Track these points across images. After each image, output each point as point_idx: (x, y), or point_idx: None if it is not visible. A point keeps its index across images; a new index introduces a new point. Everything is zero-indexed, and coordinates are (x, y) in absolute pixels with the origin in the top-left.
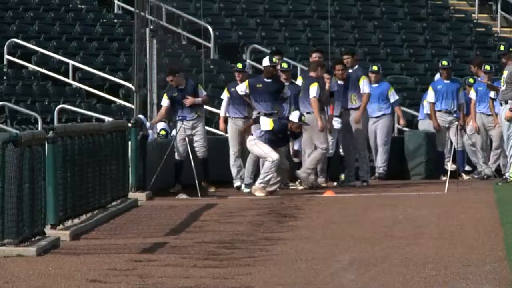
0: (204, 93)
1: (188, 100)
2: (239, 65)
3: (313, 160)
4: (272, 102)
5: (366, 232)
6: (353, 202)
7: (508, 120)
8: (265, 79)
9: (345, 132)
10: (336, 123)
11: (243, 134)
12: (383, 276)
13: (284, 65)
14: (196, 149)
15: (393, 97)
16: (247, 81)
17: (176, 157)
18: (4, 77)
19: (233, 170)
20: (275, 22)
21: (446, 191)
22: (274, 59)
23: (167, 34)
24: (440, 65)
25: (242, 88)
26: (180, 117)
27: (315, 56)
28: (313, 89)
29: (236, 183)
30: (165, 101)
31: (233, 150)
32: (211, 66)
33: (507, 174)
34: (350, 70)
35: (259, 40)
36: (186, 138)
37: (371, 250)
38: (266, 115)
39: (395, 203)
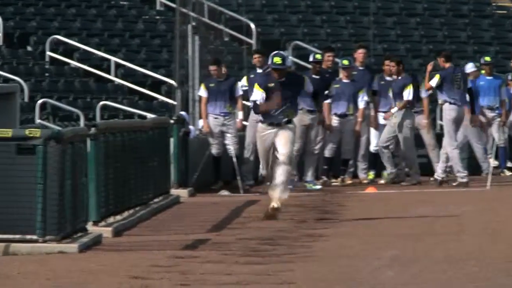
0: (240, 92)
1: (238, 124)
2: (318, 56)
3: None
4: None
5: (407, 228)
6: (395, 198)
7: None
8: (313, 75)
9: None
10: (382, 119)
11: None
12: (425, 273)
13: (345, 62)
14: (227, 146)
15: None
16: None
17: (213, 153)
18: (46, 74)
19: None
20: (317, 19)
21: (488, 187)
22: (318, 56)
23: (209, 31)
24: (482, 61)
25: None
26: (221, 113)
27: (360, 52)
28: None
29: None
30: (203, 92)
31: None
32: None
33: None
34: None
35: (301, 37)
36: (222, 133)
37: (413, 247)
38: (308, 111)
39: (437, 200)
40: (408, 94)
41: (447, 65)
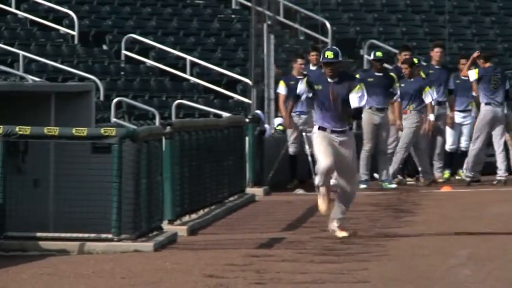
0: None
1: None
2: (379, 53)
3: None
4: (383, 97)
5: (482, 227)
6: (470, 197)
7: None
8: (376, 73)
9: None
10: (458, 117)
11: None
12: (500, 272)
13: (415, 60)
14: (304, 145)
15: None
16: (357, 75)
17: (290, 152)
18: (122, 73)
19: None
20: (393, 17)
21: None
22: (378, 54)
23: (285, 30)
24: None
25: None
26: (297, 112)
27: (436, 51)
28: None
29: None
30: (282, 89)
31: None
32: None
33: None
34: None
35: (376, 35)
36: (303, 134)
37: (488, 246)
38: (378, 109)
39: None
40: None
41: (487, 65)
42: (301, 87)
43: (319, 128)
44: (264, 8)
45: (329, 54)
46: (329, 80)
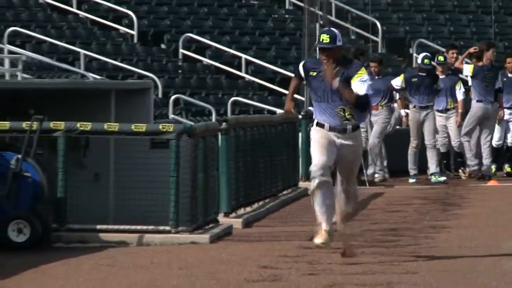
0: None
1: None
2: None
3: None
4: (427, 95)
5: None
6: None
7: None
8: (419, 73)
9: None
10: (506, 114)
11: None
12: None
13: (441, 58)
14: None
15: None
16: (402, 75)
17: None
18: (180, 71)
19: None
20: (441, 17)
21: None
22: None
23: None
24: None
25: (397, 82)
26: None
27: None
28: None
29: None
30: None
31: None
32: None
33: None
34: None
35: (425, 35)
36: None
37: None
38: (421, 108)
39: None
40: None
41: (480, 63)
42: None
43: (317, 124)
44: (316, 9)
45: (324, 38)
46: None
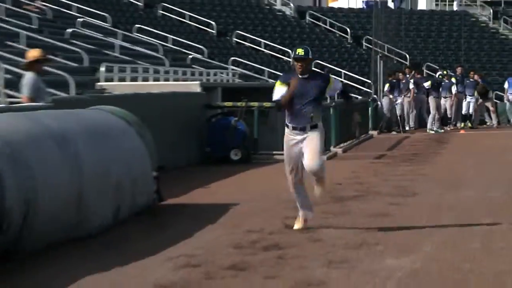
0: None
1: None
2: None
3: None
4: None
5: (479, 149)
6: (473, 136)
7: None
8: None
9: None
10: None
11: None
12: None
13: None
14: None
15: None
16: (429, 81)
17: (397, 113)
18: None
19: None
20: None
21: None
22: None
23: (387, 57)
24: None
25: (427, 84)
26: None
27: None
28: None
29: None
30: (386, 86)
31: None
32: None
33: None
34: None
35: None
36: (394, 105)
37: (485, 156)
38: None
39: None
40: None
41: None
42: (278, 90)
43: (286, 125)
44: (378, 48)
45: (300, 51)
46: (299, 76)
